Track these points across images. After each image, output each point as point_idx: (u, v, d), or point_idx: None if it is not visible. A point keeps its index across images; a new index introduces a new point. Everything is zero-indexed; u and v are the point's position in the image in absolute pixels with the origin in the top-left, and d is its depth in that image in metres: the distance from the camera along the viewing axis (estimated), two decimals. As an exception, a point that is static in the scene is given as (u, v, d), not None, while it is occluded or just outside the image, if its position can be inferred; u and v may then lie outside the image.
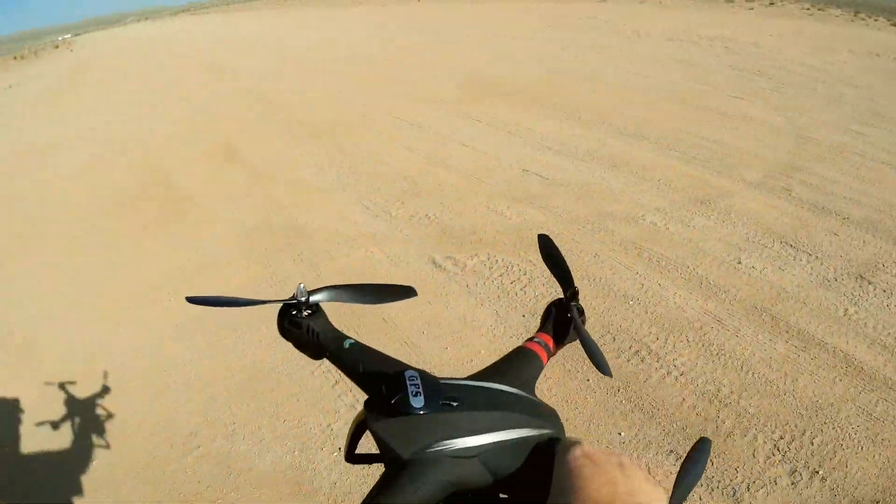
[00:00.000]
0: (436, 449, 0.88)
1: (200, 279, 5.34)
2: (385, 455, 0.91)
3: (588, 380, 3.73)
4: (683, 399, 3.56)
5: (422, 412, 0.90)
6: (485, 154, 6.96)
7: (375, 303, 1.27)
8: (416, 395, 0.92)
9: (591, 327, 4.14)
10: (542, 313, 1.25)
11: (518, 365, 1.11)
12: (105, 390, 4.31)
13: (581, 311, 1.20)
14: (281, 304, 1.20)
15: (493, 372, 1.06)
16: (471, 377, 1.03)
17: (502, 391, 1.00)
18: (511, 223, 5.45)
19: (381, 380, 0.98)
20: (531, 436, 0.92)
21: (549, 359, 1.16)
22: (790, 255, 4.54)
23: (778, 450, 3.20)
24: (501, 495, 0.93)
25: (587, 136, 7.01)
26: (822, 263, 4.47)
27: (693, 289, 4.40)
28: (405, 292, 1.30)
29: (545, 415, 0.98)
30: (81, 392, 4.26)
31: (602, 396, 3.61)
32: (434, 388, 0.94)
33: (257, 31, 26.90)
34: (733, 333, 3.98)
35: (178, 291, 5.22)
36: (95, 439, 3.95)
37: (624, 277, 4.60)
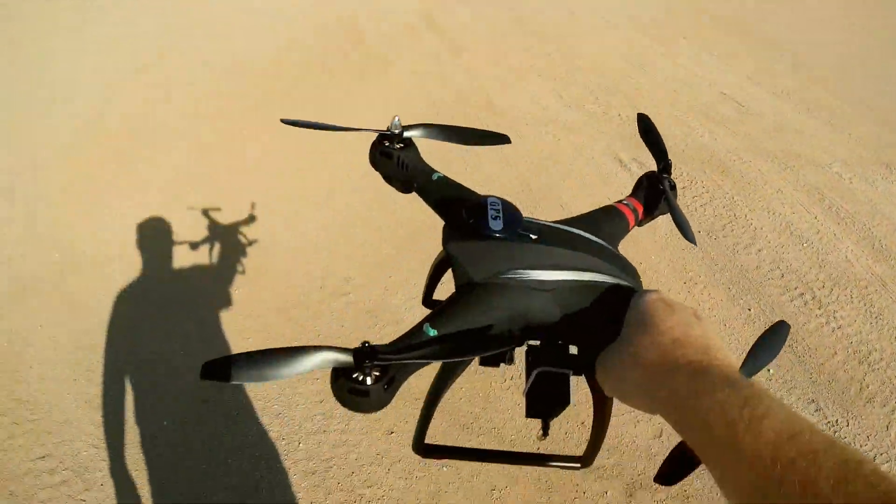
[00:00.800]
0: (509, 276, 0.85)
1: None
2: (457, 278, 0.89)
3: (749, 309, 3.69)
4: (835, 352, 3.54)
5: (499, 236, 0.87)
6: (685, 69, 6.64)
7: (468, 145, 1.25)
8: (495, 219, 0.88)
9: (764, 259, 4.15)
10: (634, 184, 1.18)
11: (605, 220, 1.06)
12: (266, 226, 4.44)
13: (672, 186, 1.12)
14: (376, 134, 1.18)
15: (578, 220, 1.01)
16: (560, 222, 0.98)
17: (586, 237, 0.95)
18: (701, 140, 5.28)
19: (460, 204, 0.95)
20: (608, 282, 0.87)
21: (635, 224, 1.11)
22: (965, 235, 4.24)
23: (911, 428, 3.10)
24: (572, 348, 0.88)
25: (789, 76, 6.56)
26: None
27: (865, 247, 4.27)
28: (499, 139, 1.27)
29: (626, 268, 0.92)
30: (243, 225, 4.46)
31: (760, 329, 3.52)
32: (515, 217, 0.90)
33: None
34: (895, 300, 3.79)
35: (360, 150, 5.18)
36: (244, 270, 4.11)
37: (802, 219, 4.45)
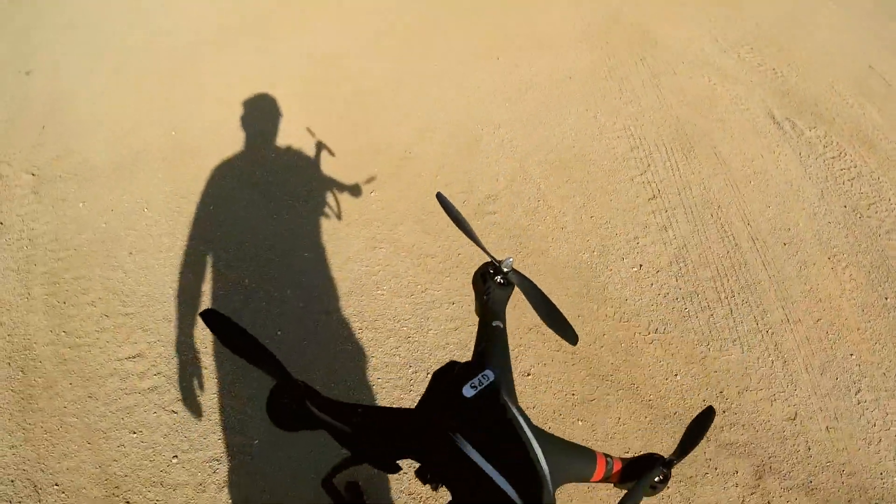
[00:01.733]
0: (449, 431, 0.88)
1: (538, 54, 4.69)
2: (421, 399, 0.95)
3: (887, 298, 3.24)
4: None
5: (464, 399, 0.92)
6: (838, 32, 5.74)
7: (546, 322, 1.20)
8: (471, 387, 0.93)
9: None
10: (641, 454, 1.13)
11: (575, 457, 1.06)
12: (405, 133, 3.86)
13: (663, 480, 1.07)
14: (488, 259, 1.18)
15: (556, 443, 1.01)
16: (534, 428, 0.98)
17: (533, 453, 0.93)
18: (851, 112, 4.59)
19: (477, 360, 1.01)
20: (509, 498, 0.85)
21: (603, 480, 1.07)
22: None
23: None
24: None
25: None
26: None
27: None
28: (569, 335, 1.21)
29: (539, 499, 0.89)
30: (379, 128, 3.86)
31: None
32: (492, 396, 0.94)
33: None
34: None
35: (507, 55, 4.62)
36: (377, 174, 3.57)
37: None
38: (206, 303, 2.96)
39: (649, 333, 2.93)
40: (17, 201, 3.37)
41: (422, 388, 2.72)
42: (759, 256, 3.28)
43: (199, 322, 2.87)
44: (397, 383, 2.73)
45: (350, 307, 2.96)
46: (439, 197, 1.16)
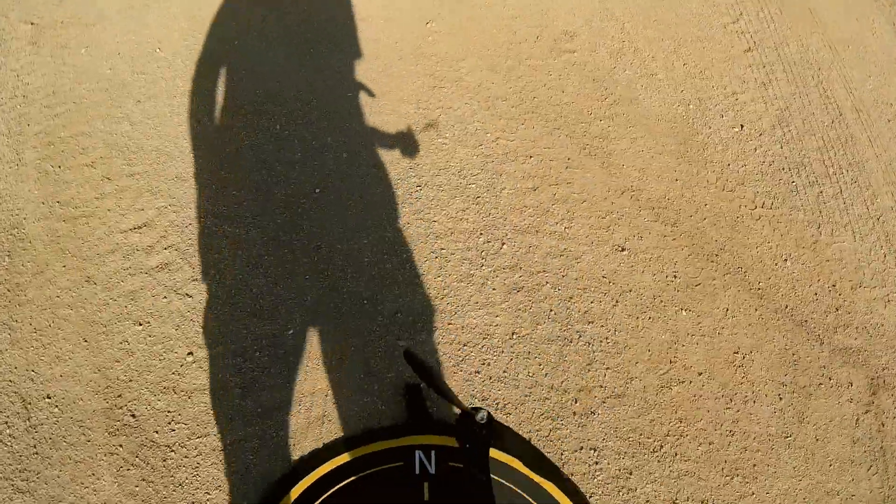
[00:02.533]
0: None
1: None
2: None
3: None
4: None
5: None
6: None
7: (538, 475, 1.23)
8: None
9: None
10: None
11: None
12: None
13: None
14: (462, 412, 1.19)
15: None
16: None
17: None
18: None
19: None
20: None
21: None
22: None
23: None
24: None
25: None
26: None
27: None
28: (575, 496, 1.23)
29: None
30: None
31: None
32: None
33: None
34: None
35: None
36: (439, 4, 2.81)
37: None
38: (225, 156, 2.27)
39: (756, 208, 2.32)
40: (12, 55, 2.66)
41: (496, 262, 2.10)
42: (865, 131, 2.64)
43: (219, 179, 2.22)
44: (465, 255, 2.08)
45: (405, 160, 2.29)
46: (406, 354, 1.16)
